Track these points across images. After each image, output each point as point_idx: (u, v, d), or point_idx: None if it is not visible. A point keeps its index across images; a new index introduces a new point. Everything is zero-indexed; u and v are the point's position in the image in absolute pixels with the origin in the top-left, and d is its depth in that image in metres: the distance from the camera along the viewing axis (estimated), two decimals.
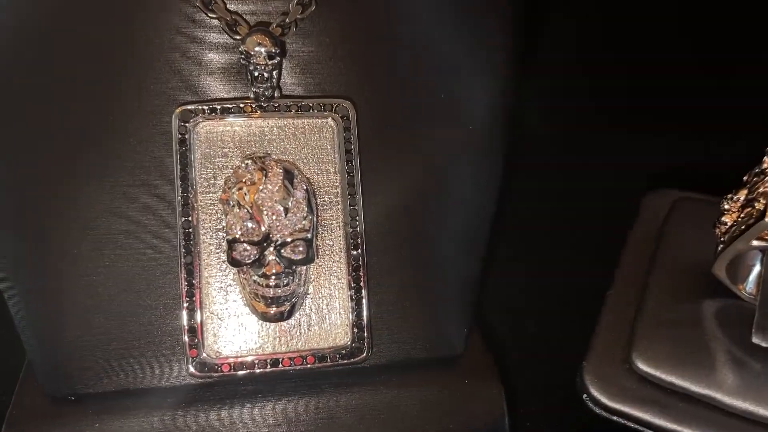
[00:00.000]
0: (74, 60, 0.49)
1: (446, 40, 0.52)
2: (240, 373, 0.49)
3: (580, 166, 0.63)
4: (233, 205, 0.47)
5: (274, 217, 0.46)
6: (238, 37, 0.49)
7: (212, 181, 0.49)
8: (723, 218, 0.49)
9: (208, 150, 0.49)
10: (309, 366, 0.49)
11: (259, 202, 0.46)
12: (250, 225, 0.46)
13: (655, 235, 0.58)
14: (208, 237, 0.49)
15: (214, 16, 0.49)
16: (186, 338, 0.48)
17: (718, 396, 0.48)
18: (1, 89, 0.48)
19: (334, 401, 0.51)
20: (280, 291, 0.47)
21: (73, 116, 0.49)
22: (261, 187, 0.46)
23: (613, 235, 0.59)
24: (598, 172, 0.63)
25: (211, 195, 0.49)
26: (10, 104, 0.48)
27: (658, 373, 0.49)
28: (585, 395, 0.51)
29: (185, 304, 0.48)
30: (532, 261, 0.61)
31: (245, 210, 0.46)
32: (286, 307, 0.48)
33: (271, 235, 0.46)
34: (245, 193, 0.46)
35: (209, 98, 0.50)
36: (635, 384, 0.50)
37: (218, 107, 0.49)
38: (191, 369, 0.48)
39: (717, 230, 0.50)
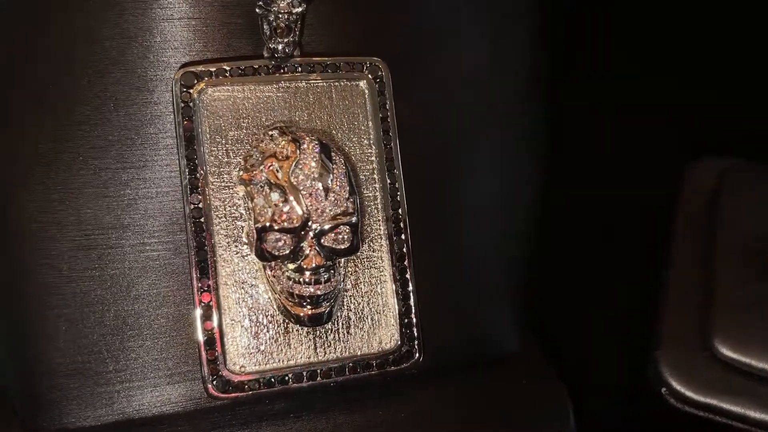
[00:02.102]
0: (42, 19, 0.39)
1: None
2: (271, 390, 0.40)
3: (616, 137, 0.57)
4: (262, 186, 0.38)
5: (313, 198, 0.38)
6: None
7: (225, 159, 0.40)
8: None
9: (218, 121, 0.40)
10: (352, 377, 0.41)
11: (295, 180, 0.37)
12: (285, 209, 0.37)
13: (707, 207, 0.52)
14: (223, 227, 0.40)
15: None
16: (203, 352, 0.39)
17: None
18: None
19: (380, 416, 0.43)
20: (320, 288, 0.39)
21: (42, 86, 0.39)
22: (295, 161, 0.38)
23: (657, 208, 0.53)
24: (635, 141, 0.57)
25: (224, 176, 0.40)
26: None
27: (746, 359, 0.44)
28: (664, 389, 0.45)
29: (199, 311, 0.40)
30: (580, 246, 0.54)
31: (279, 191, 0.37)
32: (326, 307, 0.40)
33: (310, 221, 0.38)
34: (277, 170, 0.38)
35: (216, 58, 0.41)
36: (721, 373, 0.44)
37: (227, 68, 0.40)
38: (211, 389, 0.39)
39: None
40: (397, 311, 0.42)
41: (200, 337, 0.39)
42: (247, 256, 0.40)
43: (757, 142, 0.55)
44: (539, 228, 0.48)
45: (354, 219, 0.39)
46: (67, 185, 0.40)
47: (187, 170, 0.40)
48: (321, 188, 0.38)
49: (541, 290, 0.50)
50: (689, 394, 0.44)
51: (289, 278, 0.39)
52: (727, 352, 0.44)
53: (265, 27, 0.40)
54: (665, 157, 0.57)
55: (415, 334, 0.42)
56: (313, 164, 0.38)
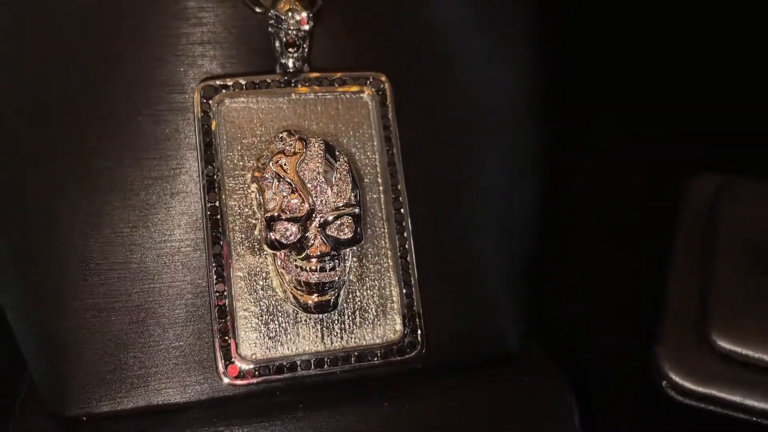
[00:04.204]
0: (73, 32, 0.44)
1: (479, 11, 0.50)
2: (281, 377, 0.42)
3: (620, 150, 0.60)
4: (271, 180, 0.41)
5: (318, 190, 0.41)
6: (259, 10, 0.45)
7: (240, 163, 0.44)
8: None
9: (234, 129, 0.44)
10: (357, 365, 0.43)
11: (302, 174, 0.41)
12: (292, 199, 0.41)
13: (707, 215, 0.54)
14: (238, 225, 0.43)
15: None
16: (216, 340, 0.42)
17: None
18: None
19: (386, 408, 0.44)
20: (325, 276, 0.42)
21: (73, 95, 0.43)
22: (302, 157, 0.41)
23: (659, 219, 0.56)
24: (635, 155, 0.60)
25: (239, 179, 0.44)
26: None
27: (743, 350, 0.45)
28: (664, 382, 0.46)
29: (214, 301, 0.42)
30: (583, 250, 0.57)
31: (286, 183, 0.41)
32: (331, 296, 0.42)
33: (315, 211, 0.41)
34: (284, 165, 0.41)
35: (233, 73, 0.45)
36: (719, 364, 0.45)
37: (243, 83, 0.45)
38: (224, 376, 0.42)
39: None
40: (400, 304, 0.45)
41: (214, 326, 0.42)
42: (258, 250, 0.43)
43: (749, 160, 0.58)
44: (542, 230, 0.50)
45: (356, 210, 0.42)
46: (92, 187, 0.43)
47: (205, 173, 0.44)
48: (325, 183, 0.41)
49: (544, 290, 0.51)
50: (688, 385, 0.45)
51: (297, 266, 0.42)
52: (724, 344, 0.45)
53: (276, 44, 0.45)
54: (666, 172, 0.59)
55: (418, 324, 0.45)
56: (319, 161, 0.42)
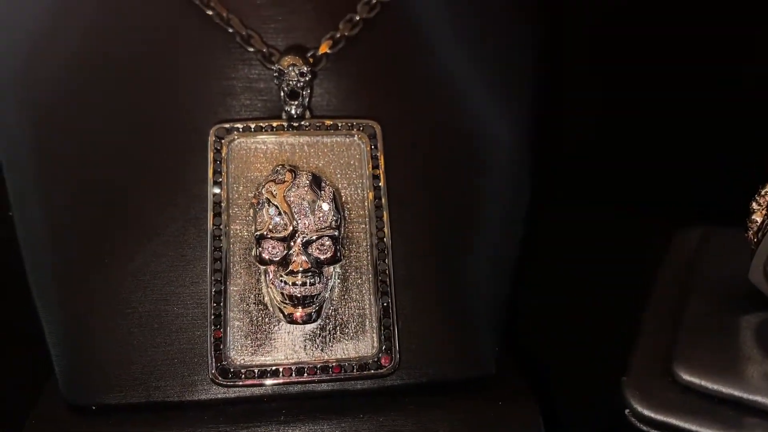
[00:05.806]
0: (111, 82, 0.52)
1: (472, 66, 0.55)
2: (266, 382, 0.48)
3: (610, 188, 0.63)
4: (263, 204, 0.48)
5: (301, 214, 0.47)
6: (273, 68, 0.53)
7: (244, 194, 0.51)
8: (753, 216, 0.48)
9: (241, 165, 0.51)
10: (334, 375, 0.48)
11: (288, 199, 0.47)
12: (278, 220, 0.47)
13: (688, 262, 0.57)
14: (237, 246, 0.50)
15: (252, 50, 0.53)
16: (211, 346, 0.48)
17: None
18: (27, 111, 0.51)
19: (360, 420, 0.48)
20: (306, 290, 0.47)
21: (116, 135, 0.52)
22: (290, 186, 0.47)
23: (645, 264, 0.58)
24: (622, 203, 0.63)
25: (242, 207, 0.51)
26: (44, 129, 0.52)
27: (702, 382, 0.47)
28: (627, 410, 0.48)
29: (212, 311, 0.48)
30: (566, 284, 0.60)
31: (274, 206, 0.47)
32: (314, 308, 0.48)
33: (298, 232, 0.47)
34: (274, 191, 0.48)
35: (243, 117, 0.53)
36: (679, 395, 0.47)
37: (252, 126, 0.52)
38: (215, 379, 0.47)
39: (749, 233, 0.49)
40: (378, 323, 0.49)
41: (210, 333, 0.48)
42: (252, 267, 0.49)
43: (730, 212, 0.60)
44: (524, 262, 0.54)
45: (336, 233, 0.48)
46: (124, 218, 0.51)
47: (212, 201, 0.50)
48: (309, 208, 0.47)
49: (525, 320, 0.55)
50: (648, 413, 0.47)
51: (283, 281, 0.47)
52: (684, 375, 0.47)
53: (281, 93, 0.52)
54: (657, 221, 0.62)
55: (392, 344, 0.49)
56: (305, 189, 0.48)
